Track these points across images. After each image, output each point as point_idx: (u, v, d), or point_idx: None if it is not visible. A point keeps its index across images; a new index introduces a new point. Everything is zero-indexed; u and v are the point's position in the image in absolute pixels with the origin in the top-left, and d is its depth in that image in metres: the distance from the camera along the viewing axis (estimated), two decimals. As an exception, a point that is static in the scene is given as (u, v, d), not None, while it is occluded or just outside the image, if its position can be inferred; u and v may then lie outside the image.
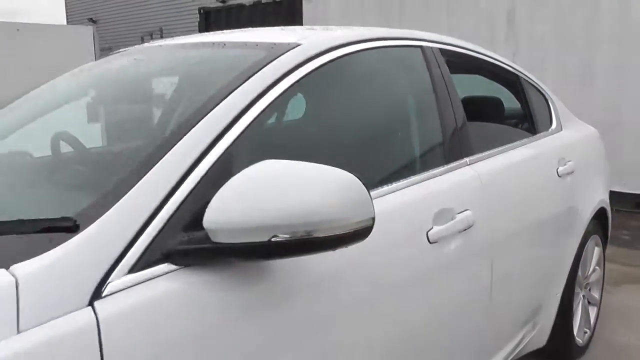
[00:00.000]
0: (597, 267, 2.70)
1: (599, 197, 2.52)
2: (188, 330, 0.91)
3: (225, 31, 1.90)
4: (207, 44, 1.61)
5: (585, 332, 2.61)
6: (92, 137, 1.53)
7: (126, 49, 1.91)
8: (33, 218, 0.91)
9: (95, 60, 5.11)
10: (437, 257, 1.43)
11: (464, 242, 1.53)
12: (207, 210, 0.93)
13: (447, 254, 1.47)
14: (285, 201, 0.89)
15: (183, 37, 1.88)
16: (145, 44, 1.91)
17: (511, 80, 2.37)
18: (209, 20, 9.09)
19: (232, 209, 0.91)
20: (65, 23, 24.64)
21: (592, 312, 2.72)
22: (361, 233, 0.94)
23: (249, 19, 8.49)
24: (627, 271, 3.69)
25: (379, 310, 1.26)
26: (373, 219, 0.94)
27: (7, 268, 0.82)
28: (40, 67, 4.95)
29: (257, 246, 0.91)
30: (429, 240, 1.40)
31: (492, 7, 6.10)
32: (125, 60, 1.71)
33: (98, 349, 0.81)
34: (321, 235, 0.90)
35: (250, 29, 1.84)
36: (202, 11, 9.25)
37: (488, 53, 2.21)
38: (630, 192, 5.22)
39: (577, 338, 2.50)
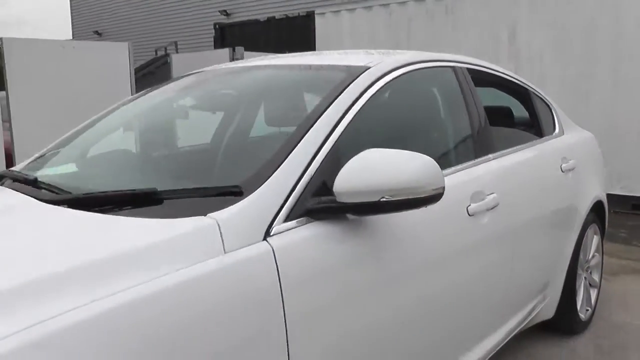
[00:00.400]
0: (596, 254, 3.12)
1: (595, 192, 2.95)
2: (317, 264, 1.34)
3: (299, 54, 2.32)
4: (294, 65, 2.05)
5: (587, 310, 3.02)
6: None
7: (214, 67, 2.34)
8: (217, 186, 1.38)
9: (131, 76, 5.51)
10: (474, 227, 1.86)
11: (492, 218, 1.96)
12: (336, 179, 1.37)
13: (481, 226, 1.90)
14: (389, 173, 1.33)
15: (259, 59, 2.32)
16: (232, 64, 2.34)
17: (521, 93, 2.81)
18: (225, 35, 9.55)
19: (354, 179, 1.34)
20: (70, 35, 25.12)
21: (593, 293, 3.13)
22: (437, 197, 1.38)
23: (263, 33, 8.95)
24: (624, 264, 4.11)
25: (442, 265, 1.71)
26: (444, 187, 1.38)
27: (204, 215, 1.26)
28: (83, 83, 5.37)
29: (370, 204, 1.35)
30: (468, 214, 1.83)
31: (494, 26, 6.58)
32: (234, 77, 2.15)
33: (274, 263, 1.25)
34: (412, 197, 1.34)
35: (319, 52, 2.30)
36: (217, 26, 9.71)
37: (503, 70, 2.66)
38: (628, 194, 5.66)
39: (579, 314, 2.91)
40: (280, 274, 1.25)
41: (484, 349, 2.05)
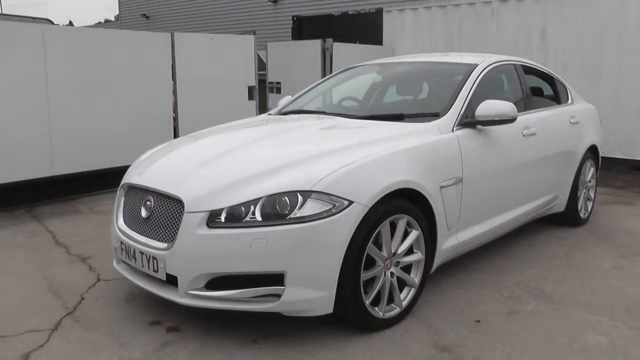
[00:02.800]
0: (592, 179, 5.06)
1: (591, 140, 4.89)
2: (469, 143, 3.34)
3: (431, 54, 4.34)
4: (433, 62, 4.08)
5: (585, 213, 4.97)
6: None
7: (376, 61, 4.38)
8: (430, 112, 3.43)
9: (255, 63, 7.41)
10: (525, 142, 3.85)
11: (533, 140, 3.94)
12: (476, 110, 3.37)
13: (528, 143, 3.88)
14: (498, 108, 3.34)
15: (409, 56, 4.33)
16: (391, 59, 4.37)
17: (548, 77, 4.76)
18: (302, 27, 11.26)
19: (484, 110, 3.34)
20: (115, 15, 26.67)
21: (589, 204, 5.07)
22: (515, 119, 3.40)
23: (338, 27, 10.67)
24: (616, 199, 6.02)
25: (511, 158, 3.72)
26: (517, 115, 3.38)
27: (430, 122, 3.29)
28: (220, 65, 7.23)
29: (490, 121, 3.36)
30: (522, 135, 3.83)
31: (529, 26, 8.37)
32: (403, 67, 4.23)
33: (457, 141, 3.27)
34: (506, 118, 3.36)
35: (444, 54, 4.32)
36: (295, 18, 11.53)
37: (537, 64, 4.61)
38: (627, 157, 7.53)
39: (580, 213, 4.87)
40: (460, 143, 3.26)
41: (533, 204, 4.10)
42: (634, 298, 3.36)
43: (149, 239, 2.80)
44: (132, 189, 3.08)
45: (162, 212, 2.78)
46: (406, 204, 2.88)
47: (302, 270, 2.54)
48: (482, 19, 8.92)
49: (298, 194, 2.55)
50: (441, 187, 3.11)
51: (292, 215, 2.52)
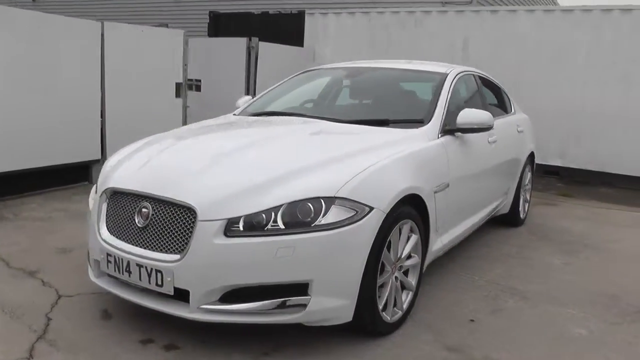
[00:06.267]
0: (529, 183, 5.46)
1: (530, 146, 5.28)
2: (451, 148, 3.43)
3: (397, 61, 4.42)
4: (404, 70, 4.15)
5: (523, 214, 5.35)
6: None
7: (337, 64, 4.38)
8: (411, 119, 3.48)
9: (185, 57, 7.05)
10: (490, 149, 4.05)
11: (495, 146, 4.16)
12: (457, 118, 3.46)
13: (492, 150, 4.09)
14: (477, 115, 3.46)
15: (372, 62, 4.38)
16: (351, 63, 4.38)
17: (497, 88, 5.06)
18: (219, 24, 10.97)
19: (466, 117, 3.44)
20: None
21: (526, 206, 5.47)
22: (492, 127, 3.53)
23: (258, 26, 10.52)
24: (540, 201, 6.53)
25: (480, 160, 3.89)
26: (493, 125, 3.54)
27: (416, 128, 3.35)
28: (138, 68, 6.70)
29: (468, 129, 3.47)
30: (488, 142, 4.02)
31: (453, 39, 8.80)
32: (374, 73, 4.24)
33: (444, 146, 3.34)
34: (484, 127, 3.49)
35: (409, 61, 4.41)
36: (212, 14, 11.19)
37: (490, 77, 4.88)
38: (542, 163, 8.18)
39: (520, 214, 5.23)
40: (446, 150, 3.34)
41: (491, 206, 4.31)
42: (591, 291, 3.67)
43: (149, 251, 2.57)
44: (118, 194, 2.80)
45: (165, 221, 2.56)
46: (410, 209, 2.91)
47: (327, 278, 2.47)
48: (406, 27, 9.22)
49: (322, 200, 2.48)
50: (434, 192, 3.18)
51: (316, 223, 2.44)
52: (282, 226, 2.43)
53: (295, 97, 4.28)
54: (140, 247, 2.60)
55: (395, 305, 2.93)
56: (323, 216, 2.45)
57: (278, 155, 2.89)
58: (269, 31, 10.41)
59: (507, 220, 5.15)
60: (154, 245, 2.57)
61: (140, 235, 2.62)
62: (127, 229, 2.69)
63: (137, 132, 6.54)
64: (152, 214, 2.60)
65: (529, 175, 5.40)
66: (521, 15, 8.17)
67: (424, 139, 3.30)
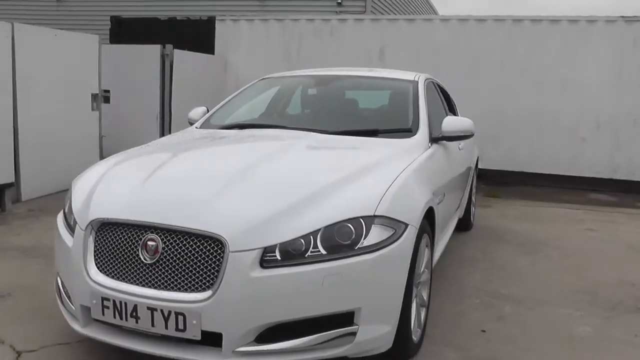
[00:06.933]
0: (474, 187, 5.62)
1: (476, 151, 5.44)
2: (439, 153, 3.36)
3: (358, 68, 4.27)
4: (371, 77, 4.01)
5: (472, 218, 5.48)
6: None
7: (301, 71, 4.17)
8: (401, 128, 3.36)
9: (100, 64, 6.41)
10: (460, 156, 4.06)
11: (463, 153, 4.19)
12: (442, 126, 3.37)
13: (462, 156, 4.10)
14: (461, 122, 3.40)
15: (335, 69, 4.21)
16: (309, 71, 4.19)
17: (447, 95, 5.14)
18: (122, 30, 10.11)
19: (450, 125, 3.36)
20: None
21: (474, 209, 5.61)
22: (474, 133, 3.49)
23: (165, 32, 9.79)
24: (488, 204, 6.78)
25: (455, 163, 3.87)
26: (474, 133, 3.51)
27: (409, 137, 3.22)
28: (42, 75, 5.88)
29: (454, 136, 3.40)
30: (459, 149, 4.02)
31: (369, 47, 8.89)
32: (342, 81, 4.05)
33: (435, 150, 3.28)
34: (468, 133, 3.43)
35: (370, 69, 4.29)
36: (113, 20, 10.33)
37: (442, 85, 4.93)
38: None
39: (472, 217, 5.35)
40: (437, 157, 3.25)
41: (457, 214, 4.31)
42: (570, 289, 3.80)
43: (163, 291, 2.18)
44: (108, 226, 2.36)
45: (181, 255, 2.19)
46: (425, 223, 2.79)
47: (374, 304, 2.26)
48: (322, 35, 9.18)
49: (361, 220, 2.26)
50: (437, 203, 3.09)
51: (360, 245, 2.22)
52: (323, 251, 2.18)
53: (262, 108, 4.00)
54: (150, 287, 2.21)
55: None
56: (365, 237, 2.24)
57: (292, 174, 2.61)
58: (178, 38, 9.79)
59: (460, 224, 5.23)
60: (169, 284, 2.18)
61: (148, 273, 2.22)
62: (128, 266, 2.27)
63: (54, 150, 5.85)
64: (163, 248, 2.21)
65: (474, 179, 5.55)
66: (437, 24, 8.48)
67: (420, 149, 3.19)
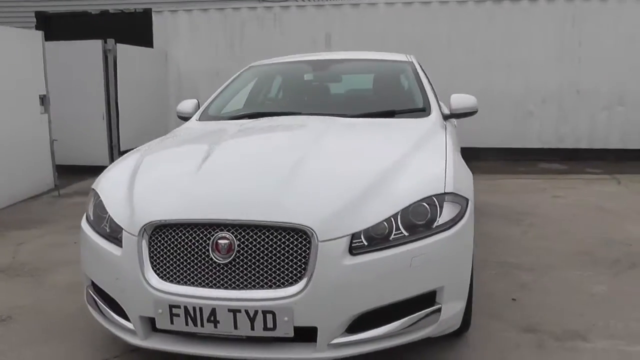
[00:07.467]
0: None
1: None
2: (449, 129, 3.41)
3: (350, 52, 4.23)
4: (369, 59, 3.99)
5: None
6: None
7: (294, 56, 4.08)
8: (416, 108, 3.39)
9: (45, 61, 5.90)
10: (456, 132, 4.16)
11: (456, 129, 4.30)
12: (452, 104, 3.46)
13: (456, 132, 4.21)
14: (467, 99, 3.48)
15: (325, 54, 4.16)
16: (300, 57, 4.11)
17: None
18: (51, 26, 9.25)
19: (459, 103, 3.46)
20: None
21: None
22: (477, 110, 3.58)
23: (98, 27, 9.14)
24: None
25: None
26: (478, 109, 3.60)
27: (427, 117, 3.25)
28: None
29: (461, 113, 3.49)
30: (454, 126, 4.12)
31: (314, 34, 8.85)
32: (332, 65, 3.95)
33: (445, 126, 3.35)
34: (474, 110, 3.52)
35: (357, 52, 4.27)
36: (39, 16, 9.46)
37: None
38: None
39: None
40: (450, 129, 3.29)
41: None
42: (569, 253, 4.02)
43: (245, 291, 2.07)
44: (166, 228, 2.19)
45: (260, 250, 2.08)
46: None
47: (453, 281, 2.27)
48: (265, 23, 9.01)
49: (434, 199, 2.26)
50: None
51: (436, 224, 2.22)
52: (405, 233, 2.16)
53: (264, 95, 3.87)
54: (227, 288, 2.08)
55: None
56: (439, 216, 2.24)
57: (346, 160, 2.56)
58: (112, 33, 9.13)
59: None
60: (249, 283, 2.07)
61: (222, 274, 2.09)
62: (197, 269, 2.12)
63: (5, 158, 5.28)
64: (238, 245, 2.09)
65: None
66: (381, 8, 8.57)
67: (440, 127, 3.24)
